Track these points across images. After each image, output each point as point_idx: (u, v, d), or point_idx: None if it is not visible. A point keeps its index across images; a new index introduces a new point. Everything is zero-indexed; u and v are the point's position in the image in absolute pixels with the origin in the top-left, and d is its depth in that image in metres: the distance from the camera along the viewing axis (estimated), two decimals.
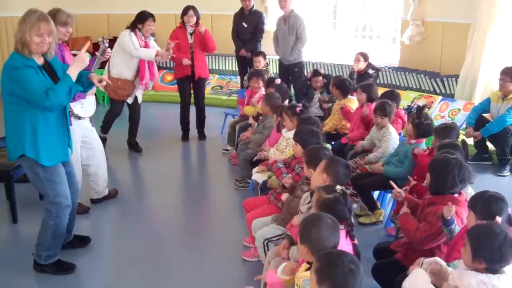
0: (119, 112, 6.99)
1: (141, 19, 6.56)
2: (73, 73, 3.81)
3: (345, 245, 2.93)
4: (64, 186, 4.05)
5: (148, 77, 6.70)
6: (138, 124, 7.15)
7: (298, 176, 4.21)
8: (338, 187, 3.18)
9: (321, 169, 3.60)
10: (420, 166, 4.41)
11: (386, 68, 8.83)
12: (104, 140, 6.88)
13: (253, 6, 8.71)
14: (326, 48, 10.12)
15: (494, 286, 2.54)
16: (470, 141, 6.58)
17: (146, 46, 6.62)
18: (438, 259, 2.93)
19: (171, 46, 6.75)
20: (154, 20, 6.66)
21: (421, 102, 7.57)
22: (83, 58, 3.87)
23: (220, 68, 10.45)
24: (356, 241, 3.08)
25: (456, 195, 3.46)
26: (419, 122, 4.68)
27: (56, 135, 3.93)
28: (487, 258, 2.58)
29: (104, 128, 7.09)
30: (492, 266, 2.58)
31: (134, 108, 7.00)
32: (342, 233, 2.96)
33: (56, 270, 4.20)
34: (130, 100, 6.85)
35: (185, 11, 7.20)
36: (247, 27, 8.70)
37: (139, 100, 6.97)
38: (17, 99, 3.71)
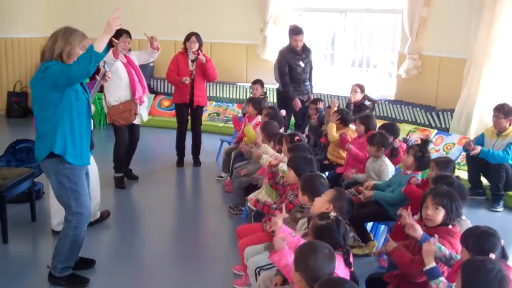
0: (126, 139, 6.67)
1: (116, 36, 6.20)
2: (99, 42, 3.89)
3: (342, 272, 2.93)
4: (86, 197, 4.23)
5: (141, 91, 6.49)
6: (135, 149, 6.96)
7: (291, 204, 4.22)
8: (332, 214, 3.19)
9: (327, 198, 3.67)
10: (412, 199, 4.44)
11: (383, 101, 8.89)
12: (122, 179, 6.76)
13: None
14: (323, 79, 10.20)
15: None
16: (464, 175, 6.61)
17: (129, 61, 6.48)
18: None
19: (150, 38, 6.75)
20: (130, 37, 6.50)
21: (416, 135, 7.61)
22: (110, 24, 3.92)
23: (218, 95, 10.47)
24: (353, 269, 3.08)
25: (450, 226, 3.47)
26: (422, 155, 4.73)
27: (83, 136, 4.13)
28: None
29: (118, 166, 6.74)
30: None
31: (134, 130, 6.76)
32: (340, 259, 2.97)
33: (70, 284, 4.26)
34: (137, 120, 6.63)
35: (188, 37, 7.25)
36: (304, 66, 7.95)
37: (145, 118, 6.78)
38: (49, 97, 3.96)
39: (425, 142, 4.90)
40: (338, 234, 3.12)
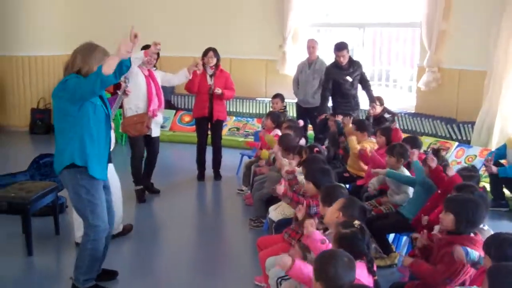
0: (142, 151, 6.75)
1: (144, 49, 6.31)
2: (108, 64, 3.86)
3: (366, 279, 2.94)
4: (103, 209, 4.24)
5: (157, 104, 6.56)
6: (155, 163, 7.01)
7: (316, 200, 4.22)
8: (356, 222, 3.21)
9: (337, 207, 3.66)
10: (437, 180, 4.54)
11: (403, 114, 8.88)
12: (143, 192, 6.82)
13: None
14: None
15: None
16: (487, 187, 6.56)
17: (151, 75, 6.55)
18: None
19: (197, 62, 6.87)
20: (158, 55, 6.58)
21: (435, 146, 7.59)
22: (120, 48, 3.88)
23: (237, 110, 10.57)
24: (376, 277, 3.09)
25: (472, 234, 3.46)
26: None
27: (101, 150, 4.18)
28: None
29: (137, 178, 6.78)
30: None
31: (153, 145, 6.82)
32: (363, 267, 2.98)
33: None
34: (155, 133, 6.68)
35: (206, 52, 7.35)
36: (352, 81, 7.74)
37: (155, 133, 6.75)
38: (68, 109, 4.01)
39: (437, 151, 4.93)
40: (363, 242, 3.14)
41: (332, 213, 3.65)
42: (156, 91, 6.58)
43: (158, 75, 6.75)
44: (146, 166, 6.95)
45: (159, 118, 6.78)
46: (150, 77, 6.55)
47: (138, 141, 6.67)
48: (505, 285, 2.58)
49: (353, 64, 7.74)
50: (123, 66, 3.95)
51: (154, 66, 6.74)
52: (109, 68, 3.84)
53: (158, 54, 6.58)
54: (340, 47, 7.64)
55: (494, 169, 6.24)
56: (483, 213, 3.54)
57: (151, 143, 6.82)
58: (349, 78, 7.65)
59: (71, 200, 4.30)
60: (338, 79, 7.67)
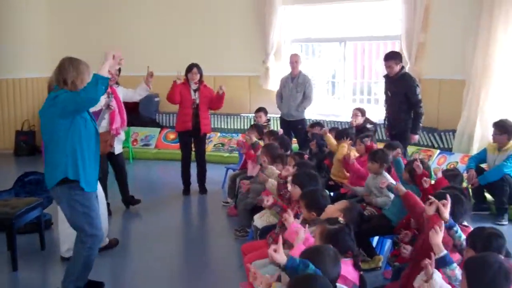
0: (106, 168, 6.58)
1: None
2: (101, 71, 4.05)
3: (352, 275, 2.99)
4: (99, 219, 4.34)
5: (119, 122, 6.48)
6: (127, 180, 7.00)
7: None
8: (341, 219, 3.27)
9: (339, 207, 3.82)
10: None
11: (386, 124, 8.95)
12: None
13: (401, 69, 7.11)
14: (325, 106, 10.38)
15: None
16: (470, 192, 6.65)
17: (113, 92, 6.45)
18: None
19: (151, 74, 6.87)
20: (119, 71, 6.59)
21: (420, 157, 7.67)
22: (106, 53, 4.14)
23: (222, 126, 10.65)
24: (362, 272, 3.14)
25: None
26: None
27: (92, 163, 4.26)
28: None
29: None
30: None
31: (118, 162, 6.83)
32: (349, 263, 3.02)
33: None
34: (117, 150, 6.68)
35: (189, 68, 7.46)
36: (390, 96, 7.18)
37: (117, 151, 6.70)
38: (59, 124, 4.08)
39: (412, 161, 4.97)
40: (349, 237, 3.21)
41: (333, 212, 3.74)
42: (119, 109, 6.51)
43: (120, 91, 6.72)
44: (119, 183, 6.98)
45: (121, 136, 6.79)
46: (112, 94, 6.45)
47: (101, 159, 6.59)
48: (481, 274, 2.60)
49: (403, 78, 7.03)
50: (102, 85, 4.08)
51: (117, 82, 6.73)
52: (102, 74, 4.03)
53: (119, 69, 6.58)
54: (387, 57, 7.11)
55: (475, 182, 6.45)
56: (463, 207, 3.60)
57: (116, 160, 6.83)
58: (388, 93, 7.19)
59: (65, 215, 4.33)
60: (385, 89, 7.31)
